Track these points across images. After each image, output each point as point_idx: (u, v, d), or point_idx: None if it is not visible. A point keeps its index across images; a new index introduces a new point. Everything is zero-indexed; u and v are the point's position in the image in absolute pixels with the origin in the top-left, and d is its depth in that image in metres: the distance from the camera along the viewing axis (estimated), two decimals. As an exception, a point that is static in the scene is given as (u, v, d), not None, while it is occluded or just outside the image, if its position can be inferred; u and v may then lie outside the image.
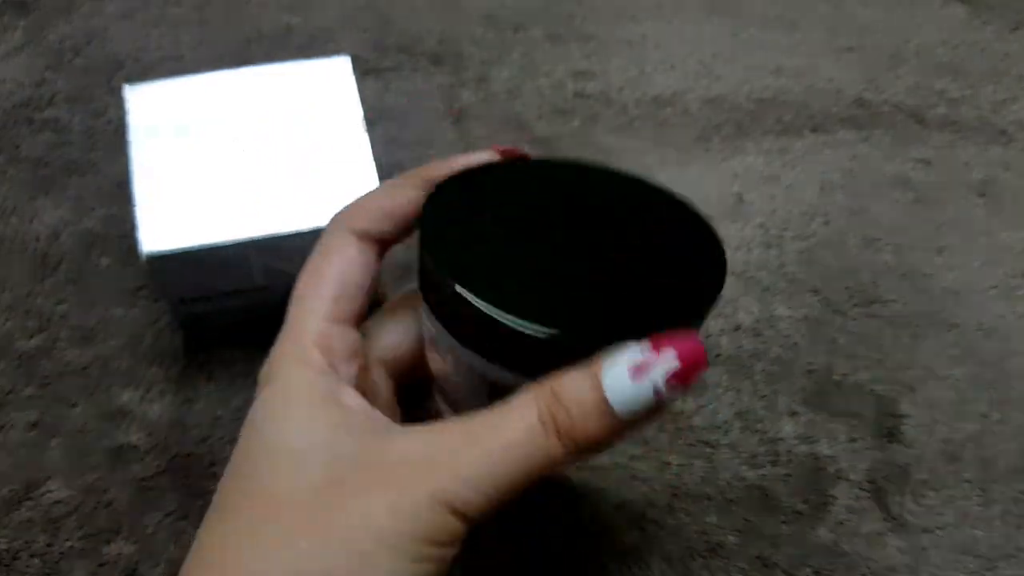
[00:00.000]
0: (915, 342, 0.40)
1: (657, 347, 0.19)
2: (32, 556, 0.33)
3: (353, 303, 0.24)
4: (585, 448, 0.20)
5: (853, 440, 0.37)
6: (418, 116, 0.46)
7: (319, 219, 0.33)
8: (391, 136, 0.45)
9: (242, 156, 0.34)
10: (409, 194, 0.24)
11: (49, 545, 0.33)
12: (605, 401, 0.19)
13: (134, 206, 0.32)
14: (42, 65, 0.47)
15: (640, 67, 0.49)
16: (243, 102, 0.35)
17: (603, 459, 0.36)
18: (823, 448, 0.37)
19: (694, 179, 0.45)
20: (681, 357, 0.19)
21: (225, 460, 0.35)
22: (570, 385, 0.20)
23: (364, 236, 0.24)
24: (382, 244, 0.25)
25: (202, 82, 0.35)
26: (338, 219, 0.25)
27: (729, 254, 0.43)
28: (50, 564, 0.33)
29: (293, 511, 0.20)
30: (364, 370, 0.24)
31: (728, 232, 0.43)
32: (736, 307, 0.40)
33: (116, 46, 0.48)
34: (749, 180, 0.45)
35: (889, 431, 0.37)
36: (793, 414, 0.37)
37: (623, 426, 0.20)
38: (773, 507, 0.35)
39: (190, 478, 0.35)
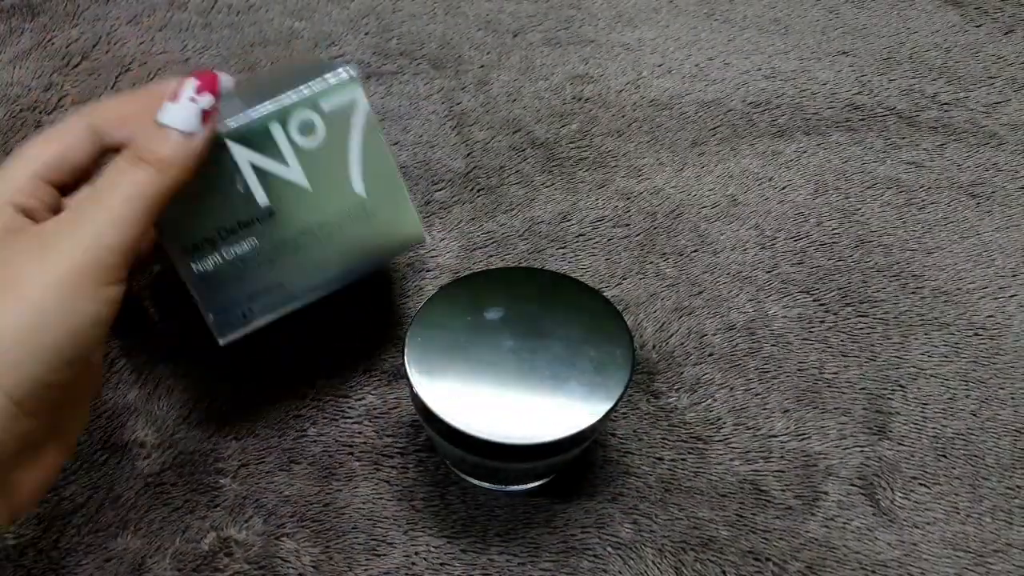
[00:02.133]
0: (905, 341, 0.40)
1: (181, 80, 0.27)
2: (40, 552, 0.34)
3: (63, 174, 0.28)
4: (171, 167, 0.26)
5: (844, 437, 0.37)
6: (419, 119, 0.47)
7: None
8: (393, 138, 0.46)
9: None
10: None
11: (57, 541, 0.34)
12: (158, 123, 0.26)
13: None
14: (49, 68, 0.47)
15: (637, 71, 0.50)
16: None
17: (597, 454, 0.36)
18: (815, 444, 0.37)
19: (690, 181, 0.45)
20: (200, 80, 0.27)
21: (231, 456, 0.36)
22: (132, 125, 0.27)
23: (96, 132, 0.28)
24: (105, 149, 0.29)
25: None
26: (82, 112, 0.29)
27: (725, 255, 0.43)
28: (58, 559, 0.33)
29: None
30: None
31: (723, 233, 0.43)
32: (730, 307, 0.41)
33: (122, 49, 0.48)
34: (744, 182, 0.45)
35: (880, 428, 0.38)
36: (785, 411, 0.38)
37: (189, 144, 0.27)
38: (765, 502, 0.36)
39: (196, 474, 0.36)
